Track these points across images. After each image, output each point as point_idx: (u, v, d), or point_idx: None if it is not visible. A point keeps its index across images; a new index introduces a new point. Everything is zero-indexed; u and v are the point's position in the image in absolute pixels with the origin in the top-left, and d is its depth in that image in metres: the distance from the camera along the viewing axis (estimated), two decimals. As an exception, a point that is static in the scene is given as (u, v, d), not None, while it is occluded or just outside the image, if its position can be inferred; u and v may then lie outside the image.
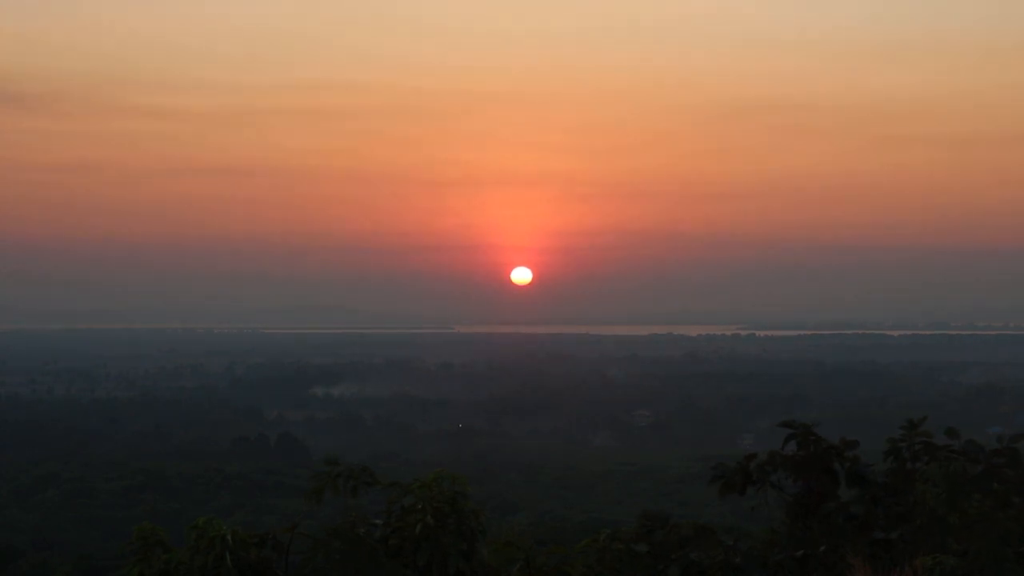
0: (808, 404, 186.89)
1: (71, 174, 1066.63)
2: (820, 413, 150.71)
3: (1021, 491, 14.66)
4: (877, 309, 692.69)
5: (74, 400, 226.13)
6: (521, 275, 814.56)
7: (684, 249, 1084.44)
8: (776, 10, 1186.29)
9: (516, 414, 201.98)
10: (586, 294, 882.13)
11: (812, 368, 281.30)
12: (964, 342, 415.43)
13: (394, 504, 12.72)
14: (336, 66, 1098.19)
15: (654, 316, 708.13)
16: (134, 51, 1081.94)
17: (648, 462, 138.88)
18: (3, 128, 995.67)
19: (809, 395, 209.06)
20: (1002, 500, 14.51)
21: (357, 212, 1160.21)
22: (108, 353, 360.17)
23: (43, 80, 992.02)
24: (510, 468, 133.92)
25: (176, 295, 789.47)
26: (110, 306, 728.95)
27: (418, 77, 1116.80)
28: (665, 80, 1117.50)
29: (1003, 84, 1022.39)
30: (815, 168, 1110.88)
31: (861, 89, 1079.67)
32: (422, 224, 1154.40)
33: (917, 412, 16.02)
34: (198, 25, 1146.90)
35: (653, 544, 14.10)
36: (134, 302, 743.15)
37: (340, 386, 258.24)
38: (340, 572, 12.36)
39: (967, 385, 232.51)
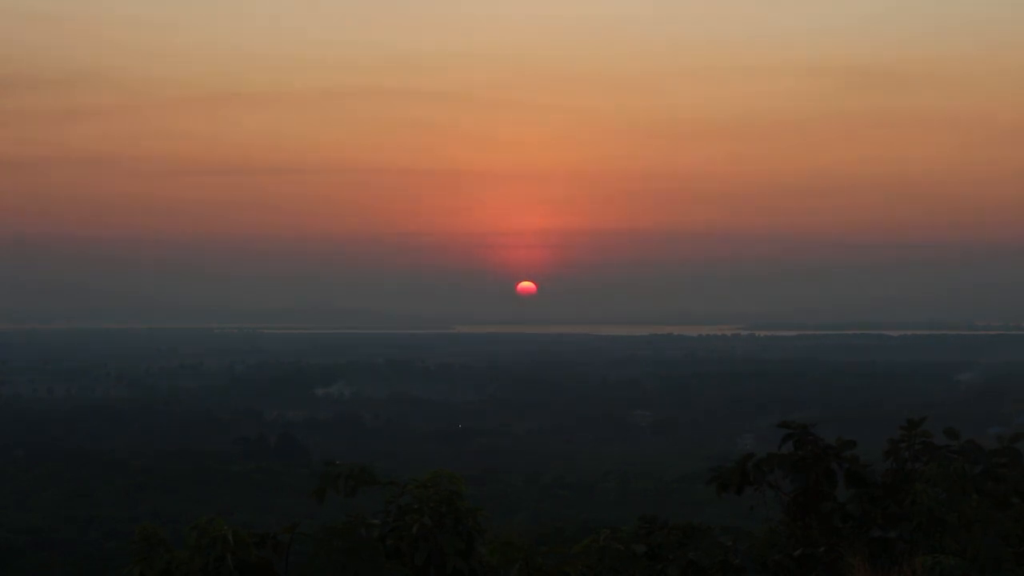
0: (808, 404, 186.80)
1: (69, 171, 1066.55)
2: (820, 413, 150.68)
3: (1021, 491, 14.67)
4: (877, 309, 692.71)
5: (74, 400, 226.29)
6: (526, 286, 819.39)
7: (684, 249, 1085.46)
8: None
9: (516, 414, 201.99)
10: (586, 294, 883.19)
11: (812, 368, 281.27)
12: (964, 342, 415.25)
13: (391, 504, 12.74)
14: (335, 64, 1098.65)
15: (654, 316, 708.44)
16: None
17: (648, 462, 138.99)
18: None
19: (809, 395, 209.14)
20: (1002, 500, 14.52)
21: (357, 211, 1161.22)
22: (108, 353, 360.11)
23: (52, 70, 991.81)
24: (510, 468, 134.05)
25: (176, 295, 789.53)
26: (110, 306, 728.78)
27: (417, 74, 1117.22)
28: (666, 82, 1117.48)
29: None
30: (815, 168, 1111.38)
31: (862, 87, 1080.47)
32: (422, 223, 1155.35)
33: (917, 412, 16.02)
34: (190, 22, 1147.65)
35: (652, 544, 14.13)
36: (134, 302, 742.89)
37: (340, 386, 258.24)
38: (340, 572, 12.38)
39: (967, 385, 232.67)
